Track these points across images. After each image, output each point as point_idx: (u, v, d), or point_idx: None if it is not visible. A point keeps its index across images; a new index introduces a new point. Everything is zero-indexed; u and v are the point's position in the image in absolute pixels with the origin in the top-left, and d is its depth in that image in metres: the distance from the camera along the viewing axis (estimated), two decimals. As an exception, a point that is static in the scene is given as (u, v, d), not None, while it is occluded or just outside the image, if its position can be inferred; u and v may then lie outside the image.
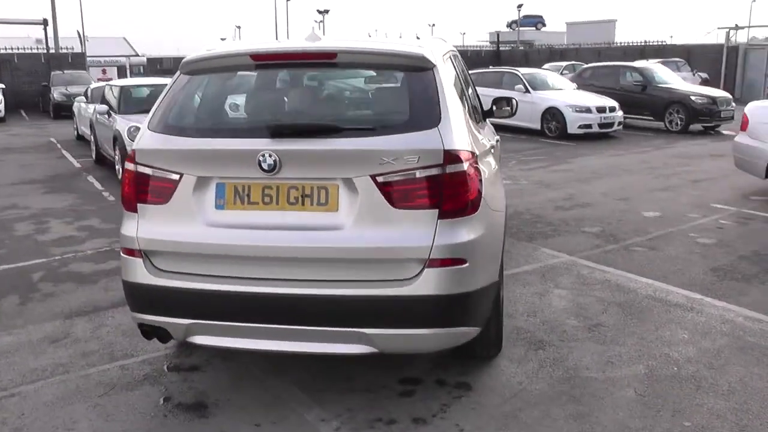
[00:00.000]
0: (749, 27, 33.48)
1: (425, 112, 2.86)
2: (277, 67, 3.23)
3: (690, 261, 5.46)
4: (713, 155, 11.24)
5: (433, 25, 71.42)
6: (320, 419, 3.10)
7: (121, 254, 3.11)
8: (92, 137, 11.17)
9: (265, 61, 3.09)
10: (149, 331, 3.11)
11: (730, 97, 14.70)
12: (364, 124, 2.89)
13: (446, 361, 3.62)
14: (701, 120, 14.00)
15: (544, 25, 61.92)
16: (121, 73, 32.52)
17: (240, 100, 3.33)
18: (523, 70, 15.74)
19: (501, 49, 43.85)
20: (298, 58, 3.10)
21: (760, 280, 4.98)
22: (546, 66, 25.29)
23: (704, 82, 20.07)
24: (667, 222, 6.72)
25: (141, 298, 3.04)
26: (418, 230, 2.78)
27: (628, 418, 3.10)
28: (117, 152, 9.06)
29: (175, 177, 2.90)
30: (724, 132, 14.49)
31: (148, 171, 2.96)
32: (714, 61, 23.33)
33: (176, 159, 2.91)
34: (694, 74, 21.05)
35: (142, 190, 2.99)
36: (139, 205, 3.00)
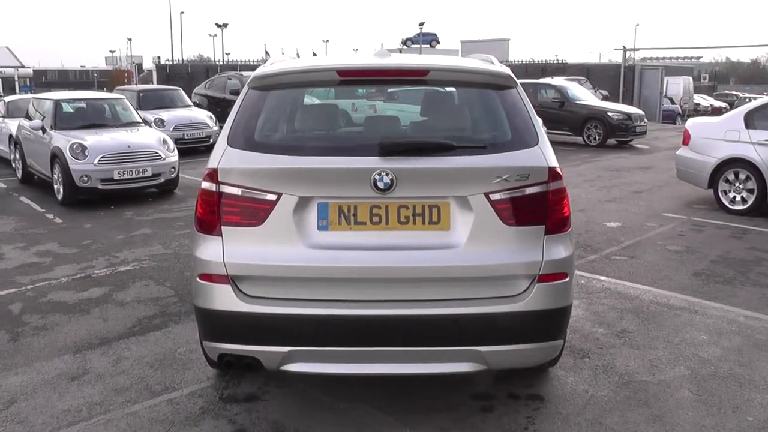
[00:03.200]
0: (644, 48, 36.34)
1: (524, 131, 2.91)
2: (362, 83, 3.15)
3: (671, 267, 5.85)
4: (640, 167, 12.09)
5: (327, 40, 71.94)
6: (418, 441, 3.04)
7: (198, 280, 2.88)
8: (16, 154, 10.25)
9: (352, 77, 3.01)
10: (233, 362, 2.91)
11: (643, 113, 15.91)
12: (474, 141, 2.89)
13: (504, 374, 3.65)
14: (618, 135, 15.03)
15: (438, 42, 64.01)
16: (7, 84, 30.15)
17: (342, 115, 3.21)
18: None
19: None
20: (386, 74, 3.04)
21: (740, 282, 5.42)
22: None
23: (605, 99, 21.55)
24: (631, 232, 7.15)
25: (227, 327, 2.84)
26: (528, 247, 2.82)
27: (699, 417, 3.28)
28: (57, 171, 8.37)
29: (272, 197, 2.74)
30: (637, 146, 15.65)
31: (235, 191, 2.78)
32: (612, 79, 25.19)
33: (274, 178, 2.75)
34: (595, 91, 22.55)
35: (228, 211, 2.80)
36: (224, 227, 2.81)
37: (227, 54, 50.09)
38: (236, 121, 2.93)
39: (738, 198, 7.77)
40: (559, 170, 2.88)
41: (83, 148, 8.20)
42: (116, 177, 8.33)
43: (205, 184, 2.85)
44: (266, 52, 46.15)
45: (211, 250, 2.82)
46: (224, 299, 2.79)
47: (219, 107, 16.13)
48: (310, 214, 2.76)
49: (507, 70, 3.10)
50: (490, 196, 2.76)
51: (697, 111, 32.99)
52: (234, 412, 3.30)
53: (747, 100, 38.27)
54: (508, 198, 2.78)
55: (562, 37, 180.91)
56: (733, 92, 46.19)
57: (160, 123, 12.82)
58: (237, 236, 2.79)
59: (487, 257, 2.77)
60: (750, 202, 7.63)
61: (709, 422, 3.24)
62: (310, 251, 2.73)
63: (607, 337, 4.26)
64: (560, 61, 31.80)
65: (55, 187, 8.57)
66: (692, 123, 8.55)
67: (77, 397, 3.49)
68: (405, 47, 61.17)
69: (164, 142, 9.04)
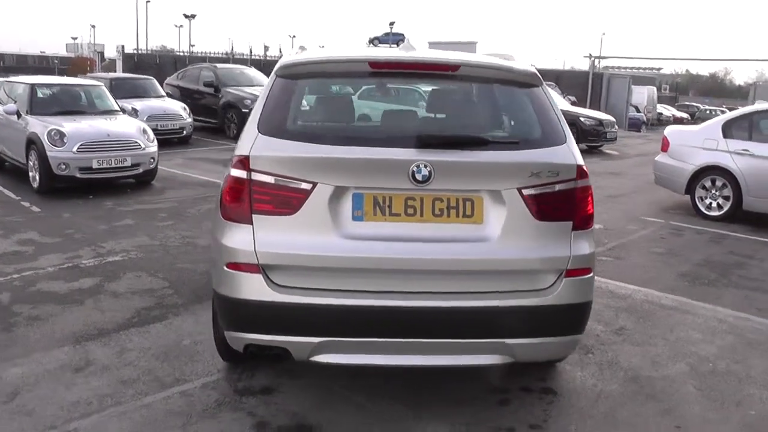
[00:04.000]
0: (611, 57, 37.24)
1: (553, 128, 2.96)
2: (394, 76, 3.15)
3: (657, 269, 6.02)
4: (611, 173, 12.37)
5: (294, 36, 71.55)
6: (441, 434, 3.06)
7: (224, 269, 2.83)
8: (-16, 139, 9.87)
9: (384, 69, 3.01)
10: (259, 352, 2.88)
11: (614, 119, 16.28)
12: (508, 137, 2.92)
13: (514, 369, 3.70)
14: (589, 140, 15.34)
15: (404, 42, 63.97)
16: (-37, 68, 29.05)
17: (369, 106, 3.20)
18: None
19: None
20: (419, 68, 3.05)
21: (724, 284, 5.62)
22: None
23: (573, 105, 21.97)
24: (614, 234, 7.32)
25: (256, 317, 2.79)
26: (557, 242, 2.87)
27: (705, 411, 3.39)
28: (33, 158, 8.10)
29: (307, 186, 2.72)
30: (607, 151, 16.02)
31: (268, 179, 2.74)
32: (581, 85, 25.70)
33: (309, 167, 2.72)
34: (564, 97, 22.97)
35: (260, 199, 2.76)
36: (255, 216, 2.77)
37: (192, 46, 49.35)
38: (267, 108, 2.89)
39: (714, 204, 8.04)
40: (585, 168, 2.94)
41: (62, 135, 7.96)
42: (95, 166, 8.11)
43: (235, 172, 2.81)
44: (232, 45, 45.66)
45: (240, 239, 2.78)
46: (254, 288, 2.75)
47: (191, 99, 15.86)
48: (345, 204, 2.74)
49: (533, 69, 3.15)
50: (522, 191, 2.80)
51: (660, 120, 33.95)
52: (251, 404, 3.26)
53: (707, 111, 39.65)
54: (539, 194, 2.82)
55: (527, 42, 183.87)
56: (694, 103, 47.72)
57: (134, 113, 12.49)
58: (269, 225, 2.75)
59: (518, 251, 2.81)
60: (726, 208, 7.90)
61: (714, 416, 3.35)
62: (345, 241, 2.72)
63: (606, 334, 4.36)
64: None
65: (31, 174, 8.29)
66: (671, 130, 8.81)
67: (85, 389, 3.39)
68: (372, 46, 61.25)
69: (144, 131, 8.84)
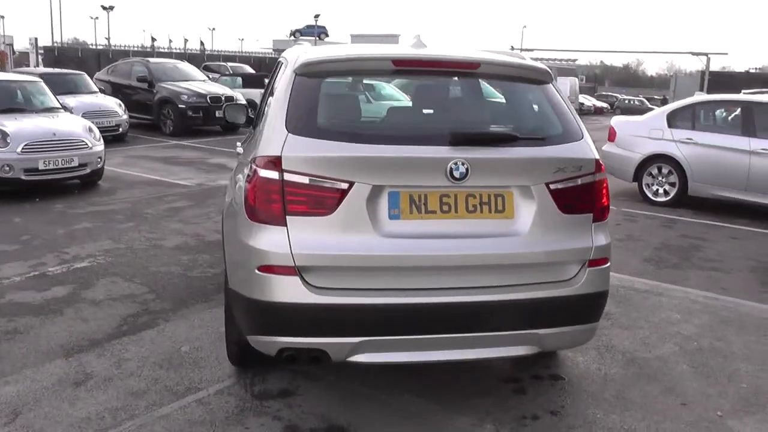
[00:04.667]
0: (534, 50, 38.22)
1: (571, 124, 3.05)
2: (415, 73, 3.15)
3: (621, 254, 6.28)
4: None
5: (214, 29, 69.74)
6: (471, 424, 3.10)
7: (256, 272, 2.76)
8: None
9: (406, 67, 3.00)
10: (295, 356, 2.82)
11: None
12: (534, 133, 2.98)
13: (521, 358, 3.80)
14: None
15: (327, 35, 63.88)
16: None
17: (397, 104, 3.16)
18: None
19: (274, 56, 44.76)
20: (441, 66, 3.06)
21: (687, 266, 5.96)
22: None
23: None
24: (573, 221, 7.59)
25: (293, 320, 2.74)
26: (581, 234, 2.97)
27: (703, 387, 3.60)
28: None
29: (344, 186, 2.69)
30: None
31: (302, 180, 2.69)
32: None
33: (346, 166, 2.69)
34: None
35: (293, 200, 2.70)
36: (288, 217, 2.71)
37: (107, 39, 47.00)
38: (292, 107, 2.82)
39: (661, 191, 8.49)
40: (601, 162, 3.06)
41: (4, 135, 7.47)
42: (41, 167, 7.66)
43: (266, 173, 2.73)
44: (152, 38, 44.05)
45: (273, 241, 2.72)
46: (290, 291, 2.70)
47: (123, 94, 15.20)
48: (382, 203, 2.73)
49: (545, 67, 3.23)
50: (549, 185, 2.88)
51: (582, 110, 35.31)
52: (275, 408, 3.20)
53: (625, 101, 41.62)
54: (564, 188, 2.91)
55: (450, 34, 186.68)
56: (612, 93, 49.96)
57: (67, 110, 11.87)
58: (304, 226, 2.70)
59: (548, 244, 2.89)
60: (672, 194, 8.36)
61: (713, 391, 3.56)
62: (383, 240, 2.71)
63: (595, 319, 4.54)
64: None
65: (-33, 176, 7.73)
66: (617, 121, 9.22)
67: (92, 403, 3.23)
68: (294, 39, 60.50)
69: (90, 130, 8.43)
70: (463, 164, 2.71)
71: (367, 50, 3.18)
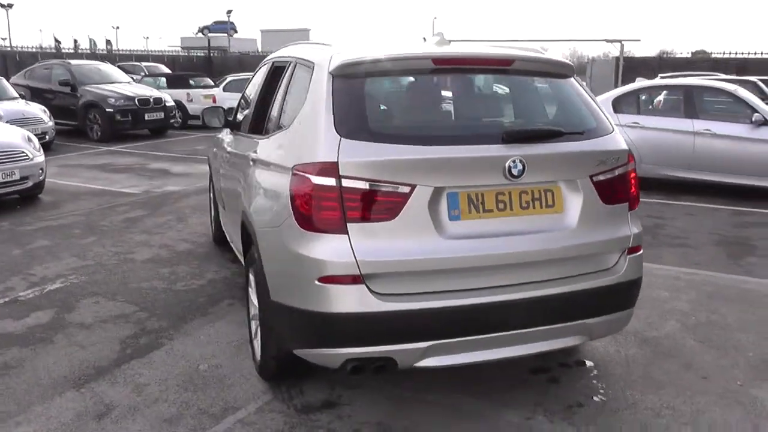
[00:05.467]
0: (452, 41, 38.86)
1: (601, 117, 3.13)
2: (454, 72, 3.11)
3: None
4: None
5: (118, 27, 66.80)
6: (526, 418, 3.13)
7: (317, 284, 2.66)
8: None
9: (446, 65, 2.97)
10: (361, 366, 2.74)
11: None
12: (575, 128, 3.01)
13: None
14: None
15: (236, 31, 62.58)
16: None
17: (445, 104, 3.09)
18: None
19: (195, 54, 43.72)
20: (477, 63, 3.05)
21: (658, 244, 6.24)
22: None
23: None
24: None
25: (360, 330, 2.66)
26: (621, 223, 3.06)
27: (716, 359, 3.79)
28: None
29: (406, 189, 2.63)
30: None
31: (362, 185, 2.61)
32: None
33: (407, 169, 2.63)
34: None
35: (353, 207, 2.62)
36: (349, 224, 2.63)
37: (3, 39, 43.90)
38: (338, 110, 2.72)
39: (611, 173, 8.84)
40: (631, 152, 3.15)
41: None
42: (-20, 183, 7.08)
43: (320, 179, 2.63)
44: (56, 39, 41.58)
45: (334, 250, 2.63)
46: (357, 301, 2.62)
47: (43, 99, 14.26)
48: (442, 204, 2.70)
49: (566, 60, 3.29)
50: (593, 178, 2.94)
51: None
52: (325, 420, 3.10)
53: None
54: (606, 179, 2.98)
55: (360, 27, 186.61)
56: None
57: (-14, 119, 11.00)
58: (366, 232, 2.63)
59: (595, 235, 2.95)
60: (622, 176, 8.72)
61: (725, 362, 3.76)
62: (447, 242, 2.68)
63: (594, 302, 4.69)
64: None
65: None
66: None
67: (125, 435, 3.02)
68: (202, 35, 58.72)
69: (29, 140, 7.86)
70: (520, 161, 2.72)
71: (403, 49, 3.12)
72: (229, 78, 19.19)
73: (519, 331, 2.84)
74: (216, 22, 61.18)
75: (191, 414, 3.19)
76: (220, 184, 5.21)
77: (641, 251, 3.18)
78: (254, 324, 3.63)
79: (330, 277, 2.63)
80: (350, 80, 2.83)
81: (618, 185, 3.04)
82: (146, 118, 14.56)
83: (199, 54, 44.32)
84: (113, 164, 11.35)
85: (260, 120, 3.91)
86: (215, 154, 5.66)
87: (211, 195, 6.39)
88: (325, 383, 3.43)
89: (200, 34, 59.42)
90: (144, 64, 28.28)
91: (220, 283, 5.19)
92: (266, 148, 3.39)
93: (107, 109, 13.88)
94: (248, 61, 42.44)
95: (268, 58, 4.61)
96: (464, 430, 3.04)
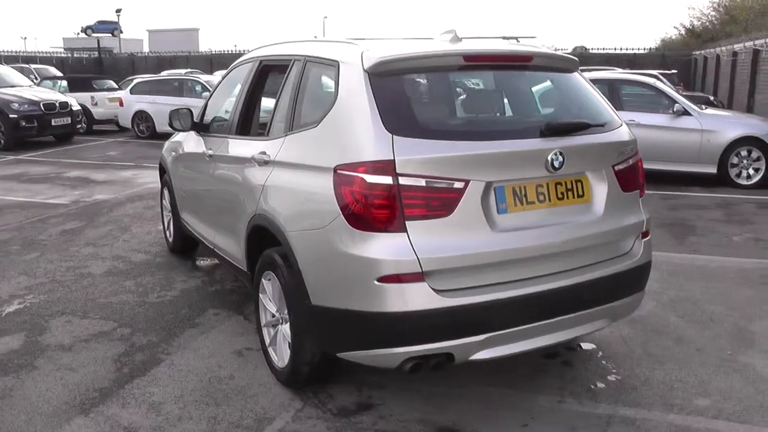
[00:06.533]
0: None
1: (611, 110, 3.30)
2: (482, 68, 3.15)
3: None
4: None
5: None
6: (558, 401, 3.26)
7: (376, 284, 2.63)
8: None
9: (476, 62, 3.02)
10: (421, 363, 2.74)
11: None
12: (596, 120, 3.13)
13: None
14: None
15: (121, 31, 59.82)
16: None
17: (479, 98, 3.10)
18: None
19: (84, 56, 41.60)
20: (501, 59, 3.12)
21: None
22: (219, 73, 25.50)
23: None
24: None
25: (420, 327, 2.66)
26: (635, 209, 3.25)
27: (700, 331, 4.09)
28: None
29: (460, 185, 2.65)
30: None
31: (419, 182, 2.61)
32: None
33: (460, 165, 2.66)
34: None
35: (412, 204, 2.62)
36: (408, 222, 2.62)
37: None
38: (384, 107, 2.70)
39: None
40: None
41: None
42: None
43: (376, 178, 2.61)
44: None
45: (394, 248, 2.61)
46: (419, 298, 2.62)
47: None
48: (491, 198, 2.76)
49: (573, 57, 3.44)
50: (615, 167, 3.10)
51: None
52: (369, 422, 3.07)
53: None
54: (624, 168, 3.16)
55: (250, 27, 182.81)
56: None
57: None
58: (424, 229, 2.63)
59: (618, 222, 3.12)
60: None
61: (709, 334, 4.08)
62: (498, 235, 2.74)
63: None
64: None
65: None
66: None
67: (160, 457, 2.85)
68: (86, 35, 55.60)
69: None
70: (561, 154, 2.82)
71: (432, 46, 3.13)
72: (136, 80, 18.26)
73: (562, 317, 2.95)
74: (100, 22, 58.02)
75: (224, 429, 3.05)
76: (194, 189, 4.98)
77: (650, 235, 3.38)
78: (269, 331, 3.52)
79: (391, 276, 2.61)
80: (388, 78, 2.82)
81: (632, 174, 3.22)
82: (53, 123, 13.59)
83: (85, 55, 41.95)
84: (27, 174, 10.53)
85: (257, 121, 3.79)
86: (177, 159, 5.40)
87: (164, 203, 6.10)
88: (352, 386, 3.40)
89: (83, 34, 56.18)
90: (33, 66, 26.30)
91: (194, 292, 4.97)
92: (285, 148, 3.29)
93: (11, 115, 12.83)
94: (140, 63, 40.64)
95: (247, 57, 4.47)
96: (505, 418, 3.11)
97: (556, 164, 2.83)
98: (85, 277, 5.30)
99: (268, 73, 4.10)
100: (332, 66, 3.09)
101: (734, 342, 3.97)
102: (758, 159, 8.97)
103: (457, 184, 2.67)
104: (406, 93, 2.85)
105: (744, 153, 9.02)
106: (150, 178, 10.08)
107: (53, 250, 6.09)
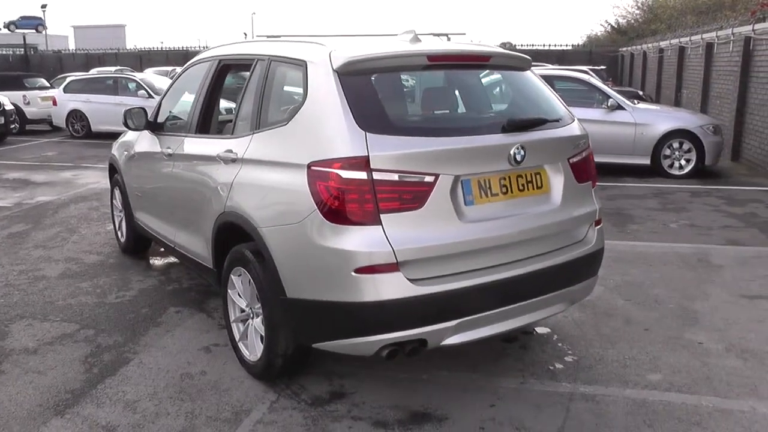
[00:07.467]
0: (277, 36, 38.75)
1: (563, 106, 3.52)
2: (445, 67, 3.28)
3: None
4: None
5: None
6: (520, 383, 3.45)
7: (353, 275, 2.75)
8: None
9: (439, 61, 3.16)
10: (396, 350, 2.87)
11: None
12: (551, 116, 3.33)
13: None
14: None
15: (46, 27, 57.43)
16: None
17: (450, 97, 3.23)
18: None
19: (3, 53, 39.99)
20: (463, 59, 3.28)
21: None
22: (150, 71, 24.86)
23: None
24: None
25: (396, 315, 2.79)
26: (588, 199, 3.48)
27: (646, 313, 4.39)
28: None
29: (431, 179, 2.80)
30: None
31: (393, 177, 2.75)
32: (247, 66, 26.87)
33: (431, 160, 2.80)
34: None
35: (386, 198, 2.75)
36: (383, 215, 2.75)
37: None
38: (355, 106, 2.82)
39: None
40: None
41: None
42: None
43: (352, 174, 2.72)
44: None
45: (370, 241, 2.73)
46: (395, 288, 2.75)
47: None
48: (459, 191, 2.92)
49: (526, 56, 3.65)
50: (570, 160, 3.32)
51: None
52: (345, 409, 3.19)
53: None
54: (578, 161, 3.38)
55: (173, 24, 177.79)
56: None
57: None
58: (398, 222, 2.77)
59: (574, 211, 3.33)
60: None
61: (655, 315, 4.39)
62: (466, 226, 2.90)
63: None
64: (204, 47, 32.51)
65: None
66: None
67: (141, 453, 2.89)
68: (9, 31, 53.19)
69: None
70: (522, 148, 3.01)
71: (396, 46, 3.26)
72: (70, 78, 17.62)
73: (528, 301, 3.14)
74: (23, 17, 55.49)
75: (203, 423, 3.11)
76: (152, 188, 4.95)
77: (601, 224, 3.63)
78: (239, 326, 3.59)
79: (368, 267, 2.73)
80: (357, 77, 2.94)
81: (585, 166, 3.45)
82: (-15, 123, 13.03)
83: (9, 52, 40.15)
84: (-40, 176, 10.10)
85: (220, 119, 3.83)
86: (130, 158, 5.35)
87: (115, 203, 6.02)
88: (321, 376, 3.51)
89: (6, 30, 53.64)
90: (-45, 62, 25.05)
91: (152, 291, 4.96)
92: (254, 146, 3.35)
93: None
94: (68, 60, 39.14)
95: (204, 56, 4.48)
96: (473, 399, 3.29)
97: (518, 158, 3.01)
98: (40, 279, 5.20)
99: (228, 73, 4.14)
100: (299, 66, 3.18)
101: (678, 321, 4.28)
102: (689, 150, 9.54)
103: (428, 178, 2.81)
104: (376, 91, 2.98)
105: (676, 145, 9.57)
106: (91, 179, 9.87)
107: (2, 254, 5.92)
